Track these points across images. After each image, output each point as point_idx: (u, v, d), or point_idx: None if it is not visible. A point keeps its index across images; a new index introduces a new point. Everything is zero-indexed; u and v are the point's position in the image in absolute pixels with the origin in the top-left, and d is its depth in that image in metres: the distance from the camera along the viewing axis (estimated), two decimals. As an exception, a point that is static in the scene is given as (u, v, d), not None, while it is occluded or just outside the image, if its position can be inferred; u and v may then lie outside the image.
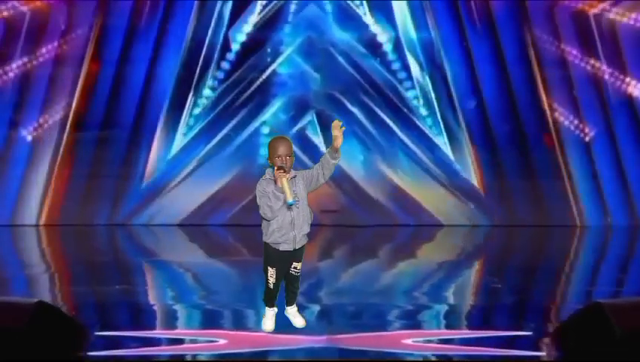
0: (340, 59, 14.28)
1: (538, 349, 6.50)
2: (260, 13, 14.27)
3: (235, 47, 14.26)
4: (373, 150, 14.32)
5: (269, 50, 14.28)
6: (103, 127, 14.14)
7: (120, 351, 6.34)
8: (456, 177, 14.34)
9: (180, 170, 14.24)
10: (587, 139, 14.33)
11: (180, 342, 6.74)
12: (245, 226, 13.38)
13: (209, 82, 14.25)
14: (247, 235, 12.65)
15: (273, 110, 14.27)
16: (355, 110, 14.28)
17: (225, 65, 14.25)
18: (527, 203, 14.32)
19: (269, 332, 6.35)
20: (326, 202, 13.98)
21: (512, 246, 13.23)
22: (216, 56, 14.20)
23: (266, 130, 14.24)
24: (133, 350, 6.38)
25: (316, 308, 7.88)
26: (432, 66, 14.32)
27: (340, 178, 14.15)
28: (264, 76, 14.27)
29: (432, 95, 14.29)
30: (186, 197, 14.22)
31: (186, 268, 10.61)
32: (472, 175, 14.35)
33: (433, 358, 6.33)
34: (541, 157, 14.32)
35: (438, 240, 13.63)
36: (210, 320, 7.55)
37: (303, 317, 6.45)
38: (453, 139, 14.32)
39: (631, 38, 14.19)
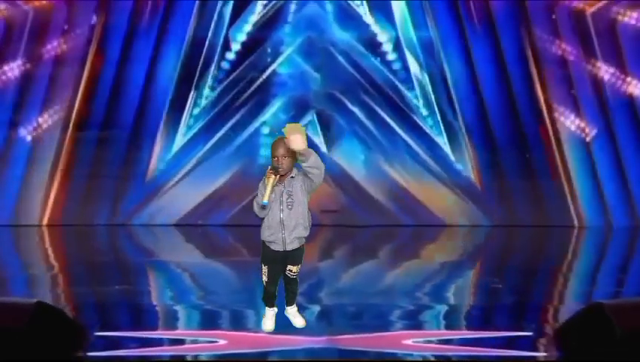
0: (340, 58, 14.28)
1: (538, 349, 6.49)
2: (260, 13, 14.26)
3: (236, 46, 14.26)
4: (374, 150, 14.31)
5: (269, 49, 14.27)
6: (104, 127, 14.13)
7: (120, 351, 6.33)
8: (456, 177, 14.33)
9: (180, 169, 14.23)
10: (587, 138, 14.32)
11: (180, 342, 6.73)
12: (245, 226, 13.37)
13: (209, 82, 14.24)
14: (247, 235, 12.64)
15: (273, 110, 14.26)
16: (355, 110, 14.27)
17: (225, 65, 14.25)
18: (527, 203, 14.31)
19: (268, 333, 6.34)
20: (326, 202, 13.97)
21: (512, 247, 13.22)
22: (216, 56, 14.19)
23: (266, 130, 14.24)
24: (133, 350, 6.37)
25: (316, 308, 7.87)
26: (432, 66, 14.31)
27: (340, 178, 14.14)
28: (264, 76, 14.26)
29: (432, 95, 14.28)
30: (186, 197, 14.21)
31: (185, 269, 10.60)
32: (472, 175, 14.34)
33: (433, 359, 6.32)
34: (541, 157, 14.31)
35: (438, 241, 13.63)
36: (210, 321, 7.54)
37: (303, 317, 6.45)
38: (453, 139, 14.31)
39: (631, 37, 14.18)
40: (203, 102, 14.26)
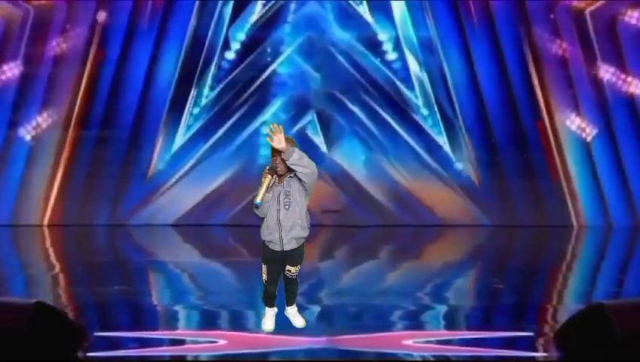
0: (340, 58, 14.26)
1: (538, 350, 6.48)
2: (260, 13, 14.25)
3: (236, 46, 14.24)
4: (374, 149, 14.29)
5: (269, 49, 14.25)
6: (103, 127, 14.11)
7: (119, 351, 6.33)
8: (456, 177, 14.31)
9: (180, 169, 14.21)
10: (587, 138, 14.30)
11: (179, 342, 6.72)
12: (245, 226, 13.35)
13: (209, 81, 14.22)
14: (247, 236, 12.63)
15: (273, 110, 14.25)
16: (355, 109, 14.25)
17: (225, 64, 14.23)
18: (527, 203, 14.29)
19: (268, 332, 6.35)
20: (327, 202, 13.95)
21: (512, 247, 13.20)
22: (216, 55, 14.18)
23: (266, 130, 14.18)
24: (132, 350, 6.37)
25: (316, 308, 7.86)
26: (432, 65, 14.29)
27: (340, 178, 14.13)
28: (264, 76, 14.24)
29: (432, 94, 14.26)
30: (186, 197, 14.19)
31: (185, 269, 10.59)
32: (472, 175, 14.32)
33: (433, 359, 6.31)
34: (541, 156, 14.30)
35: (438, 241, 13.61)
36: (210, 321, 7.53)
37: (303, 317, 6.45)
38: (453, 138, 14.29)
39: (631, 36, 14.16)
40: (203, 101, 14.24)
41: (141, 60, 14.07)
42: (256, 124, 14.23)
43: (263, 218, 6.08)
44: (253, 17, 14.23)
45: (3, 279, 9.74)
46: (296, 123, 14.17)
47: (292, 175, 6.03)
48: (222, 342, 6.61)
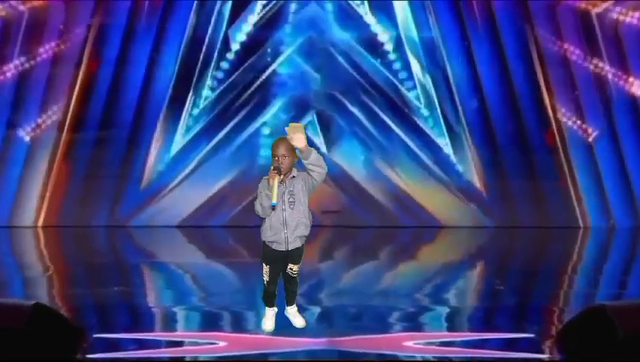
0: (341, 59, 14.24)
1: (540, 351, 6.46)
2: (260, 13, 14.23)
3: (235, 47, 14.22)
4: (374, 150, 14.27)
5: (269, 50, 14.23)
6: (102, 128, 14.07)
7: (118, 353, 6.31)
8: (457, 178, 14.29)
9: (179, 171, 14.18)
10: (590, 139, 14.28)
11: (179, 344, 6.70)
12: (245, 228, 13.33)
13: (208, 82, 14.20)
14: (247, 236, 12.61)
15: (273, 110, 14.23)
16: (355, 110, 14.23)
17: (224, 65, 14.21)
18: (529, 204, 14.26)
19: (268, 332, 6.35)
20: (327, 203, 13.93)
21: (513, 248, 13.18)
22: (215, 56, 14.15)
23: (266, 130, 14.20)
24: (131, 352, 6.35)
25: (317, 309, 7.83)
26: (434, 66, 14.27)
27: (340, 178, 14.11)
28: (264, 76, 14.22)
29: (434, 95, 14.24)
30: (186, 199, 14.17)
31: (185, 270, 10.57)
32: (474, 176, 14.30)
33: (434, 360, 6.29)
34: (543, 157, 14.27)
35: (439, 242, 13.59)
36: (210, 322, 7.51)
37: (303, 317, 6.46)
38: (454, 139, 14.27)
39: (634, 37, 14.14)
40: (202, 102, 14.22)
41: (139, 61, 14.04)
42: (256, 124, 14.21)
43: (264, 219, 6.09)
44: (253, 17, 14.21)
45: (1, 281, 9.71)
46: (296, 124, 14.12)
47: (294, 174, 6.07)
48: (221, 343, 6.59)
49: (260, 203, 6.03)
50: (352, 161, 14.24)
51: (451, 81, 14.21)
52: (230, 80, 14.18)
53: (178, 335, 6.99)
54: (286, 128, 5.92)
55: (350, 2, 14.26)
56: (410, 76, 14.26)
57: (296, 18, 14.24)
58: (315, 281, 9.45)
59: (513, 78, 14.21)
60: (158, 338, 6.83)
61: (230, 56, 14.20)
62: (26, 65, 13.95)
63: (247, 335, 6.84)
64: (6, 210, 13.96)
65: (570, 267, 11.21)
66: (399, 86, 14.25)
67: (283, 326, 6.38)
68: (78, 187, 14.04)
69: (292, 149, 6.04)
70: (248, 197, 13.59)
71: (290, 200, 6.03)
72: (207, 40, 14.12)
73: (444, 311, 8.10)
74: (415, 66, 14.25)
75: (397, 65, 14.26)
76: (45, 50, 13.96)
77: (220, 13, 14.14)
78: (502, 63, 14.20)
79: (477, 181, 14.29)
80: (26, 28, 13.91)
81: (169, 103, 14.11)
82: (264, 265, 6.18)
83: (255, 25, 14.20)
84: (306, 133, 5.91)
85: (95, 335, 6.72)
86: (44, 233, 13.65)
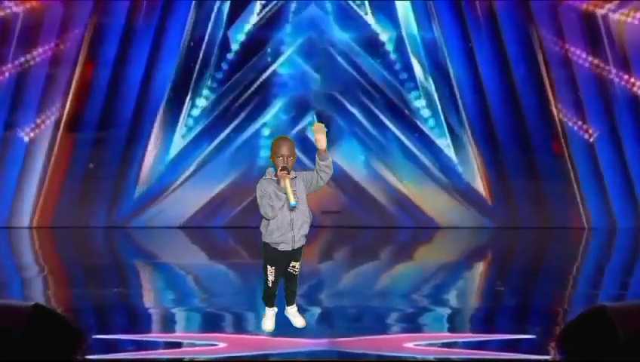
0: (341, 59, 14.23)
1: (541, 352, 6.44)
2: (259, 13, 14.21)
3: (235, 47, 14.20)
4: (375, 151, 14.25)
5: (269, 50, 14.22)
6: (100, 128, 14.05)
7: (117, 354, 6.29)
8: (459, 179, 14.27)
9: (179, 172, 14.16)
10: (592, 139, 14.26)
11: (178, 345, 6.68)
12: (245, 228, 13.32)
13: (208, 83, 14.18)
14: (247, 237, 12.60)
15: (274, 111, 14.21)
16: (355, 111, 14.22)
17: (224, 65, 14.19)
18: (530, 204, 14.24)
19: (269, 332, 6.34)
20: (327, 203, 13.92)
21: (515, 249, 13.16)
22: (215, 56, 14.13)
23: (266, 131, 14.18)
24: (130, 353, 6.33)
25: (317, 310, 7.82)
26: (435, 67, 14.25)
27: (340, 179, 14.09)
28: (264, 77, 14.21)
29: (435, 96, 14.22)
30: (185, 200, 14.15)
31: (184, 271, 10.56)
32: (476, 177, 14.28)
33: (435, 361, 6.27)
34: (545, 158, 14.25)
35: (439, 243, 13.57)
36: (210, 323, 7.49)
37: (303, 317, 6.45)
38: (456, 140, 14.25)
39: (636, 38, 14.11)
40: (202, 103, 14.20)
41: (138, 61, 14.02)
42: (256, 125, 14.19)
43: (267, 221, 6.08)
44: (253, 18, 14.20)
45: (1, 281, 9.69)
46: (297, 124, 14.14)
47: (295, 175, 6.11)
48: (221, 344, 6.58)
49: (270, 204, 6.00)
50: (352, 161, 14.23)
51: (453, 81, 14.19)
52: (230, 80, 14.16)
53: (177, 336, 6.97)
54: (312, 128, 6.02)
55: (350, 2, 14.24)
56: (411, 77, 14.25)
57: (296, 18, 14.23)
58: (316, 282, 9.44)
59: (515, 79, 14.19)
60: (157, 339, 6.81)
61: (230, 56, 14.18)
62: (24, 66, 13.93)
63: (248, 336, 6.82)
64: (5, 211, 13.94)
65: (571, 268, 11.19)
66: (400, 87, 14.23)
67: (283, 326, 6.37)
68: (76, 188, 14.02)
69: (294, 149, 6.08)
70: (248, 197, 13.59)
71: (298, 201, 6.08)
72: (206, 40, 14.10)
73: (444, 311, 8.08)
74: (416, 67, 14.23)
75: (398, 66, 14.24)
76: (44, 51, 13.95)
77: (219, 13, 14.12)
78: (504, 64, 14.18)
79: (478, 182, 14.27)
80: (24, 28, 13.90)
81: (168, 104, 14.09)
82: (268, 266, 6.17)
83: (255, 25, 14.18)
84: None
85: (94, 336, 6.70)
86: (43, 234, 13.63)
